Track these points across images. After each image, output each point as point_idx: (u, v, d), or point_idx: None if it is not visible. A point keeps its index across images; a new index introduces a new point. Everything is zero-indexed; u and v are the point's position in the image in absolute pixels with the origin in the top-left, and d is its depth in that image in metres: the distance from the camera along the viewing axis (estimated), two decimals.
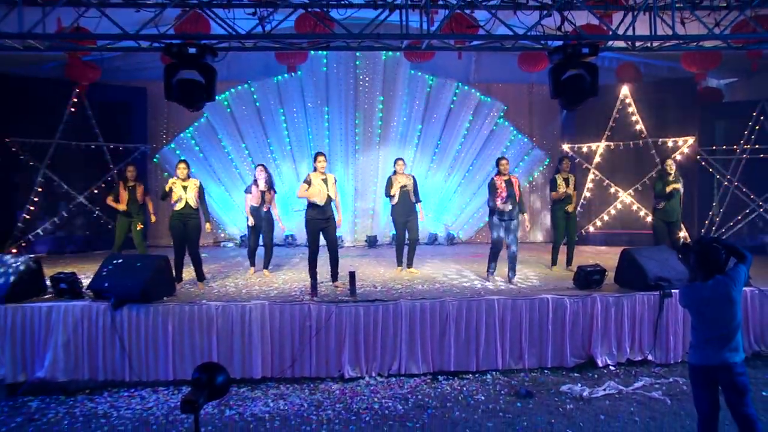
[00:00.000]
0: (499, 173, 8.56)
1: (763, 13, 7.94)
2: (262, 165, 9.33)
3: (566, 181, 9.56)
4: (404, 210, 9.20)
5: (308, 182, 8.22)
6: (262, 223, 9.13)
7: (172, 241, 8.67)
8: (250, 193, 9.08)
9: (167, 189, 8.48)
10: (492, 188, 8.47)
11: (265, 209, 9.08)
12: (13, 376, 6.83)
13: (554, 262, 9.70)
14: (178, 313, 6.92)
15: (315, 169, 8.34)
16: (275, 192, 9.32)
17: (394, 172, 9.30)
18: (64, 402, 6.57)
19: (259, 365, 6.87)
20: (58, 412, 6.30)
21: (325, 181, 8.28)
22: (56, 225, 12.17)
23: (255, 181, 9.10)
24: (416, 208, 9.32)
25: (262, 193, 9.02)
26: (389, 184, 9.30)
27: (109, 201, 9.37)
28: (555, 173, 9.86)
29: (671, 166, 9.34)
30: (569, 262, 9.54)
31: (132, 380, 6.86)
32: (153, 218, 9.83)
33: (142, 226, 9.44)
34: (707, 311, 4.35)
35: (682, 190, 9.40)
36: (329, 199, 8.29)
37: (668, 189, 9.18)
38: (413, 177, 9.43)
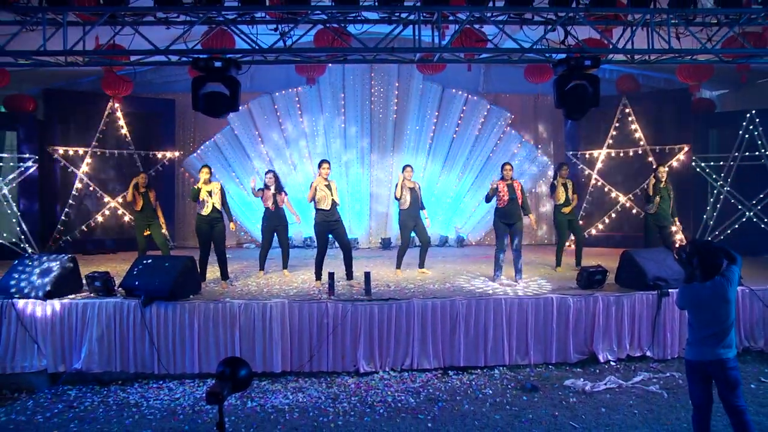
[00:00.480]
0: (502, 178, 8.53)
1: (750, 30, 7.91)
2: (272, 171, 9.29)
3: (565, 186, 9.51)
4: (413, 214, 9.12)
5: (313, 188, 8.30)
6: (276, 225, 9.11)
7: (198, 242, 8.65)
8: (262, 196, 9.04)
9: (197, 188, 8.45)
10: (494, 191, 8.44)
11: (272, 208, 9.01)
12: (54, 366, 6.93)
13: (558, 263, 9.63)
14: (204, 311, 6.93)
15: (319, 176, 8.38)
16: (286, 194, 9.22)
17: (403, 179, 9.23)
18: (99, 392, 6.64)
19: (279, 360, 6.87)
20: (93, 401, 6.37)
21: (328, 186, 8.33)
22: (90, 227, 12.26)
23: (266, 186, 9.07)
24: (423, 214, 9.27)
25: (274, 195, 9.00)
26: (401, 188, 9.15)
27: (128, 198, 9.31)
28: (554, 178, 9.81)
29: (663, 173, 9.25)
30: (578, 262, 9.44)
31: (160, 373, 6.90)
32: (164, 227, 9.63)
33: (149, 232, 9.35)
34: (705, 310, 4.34)
35: (672, 195, 9.31)
36: (334, 203, 8.34)
37: (656, 200, 9.11)
38: (418, 184, 9.35)
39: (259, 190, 9.05)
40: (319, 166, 8.51)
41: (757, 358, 7.40)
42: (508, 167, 8.61)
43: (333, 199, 8.29)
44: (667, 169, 9.48)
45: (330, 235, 8.47)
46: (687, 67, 9.81)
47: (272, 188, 9.00)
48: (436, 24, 7.42)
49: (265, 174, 9.21)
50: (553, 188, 9.64)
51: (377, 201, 13.58)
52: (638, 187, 12.39)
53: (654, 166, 11.18)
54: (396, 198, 9.12)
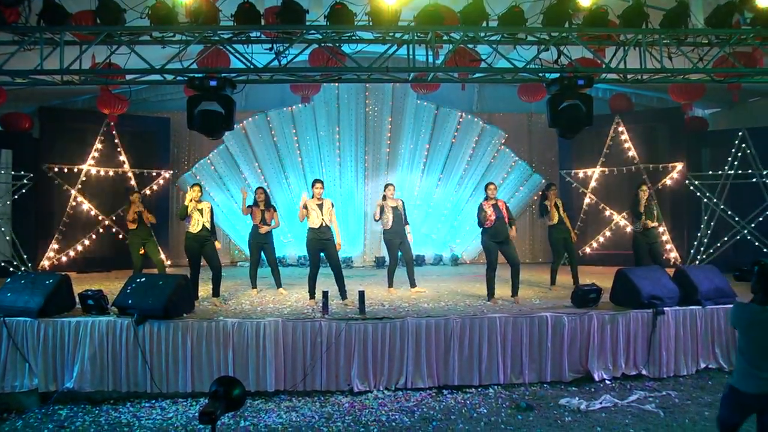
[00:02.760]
0: (486, 198, 8.55)
1: (740, 50, 8.02)
2: (261, 187, 9.35)
3: (556, 205, 9.53)
4: (398, 232, 9.15)
5: (305, 207, 8.33)
6: (263, 242, 9.11)
7: (188, 261, 8.60)
8: (251, 213, 9.11)
9: (186, 204, 8.42)
10: (480, 211, 8.46)
11: (262, 231, 9.06)
12: (45, 385, 6.84)
13: (553, 281, 9.64)
14: (197, 329, 6.90)
15: (313, 195, 8.42)
16: (275, 210, 9.28)
17: (384, 197, 9.25)
18: (91, 411, 6.56)
19: (273, 379, 6.82)
20: (85, 421, 6.29)
21: (320, 206, 8.33)
22: (84, 245, 12.23)
23: (256, 202, 9.11)
24: (405, 230, 9.26)
25: (262, 212, 9.03)
26: (381, 210, 9.17)
27: (129, 224, 9.23)
28: (542, 200, 9.78)
29: (645, 192, 9.29)
30: (576, 281, 9.41)
31: (153, 392, 6.83)
32: (152, 218, 9.49)
33: (143, 251, 9.28)
34: (758, 336, 3.91)
35: (655, 212, 9.36)
36: (324, 222, 8.32)
37: (642, 219, 9.18)
38: (402, 201, 9.37)
39: (248, 206, 9.09)
40: (312, 185, 8.54)
41: None
42: (492, 187, 8.63)
43: (322, 219, 8.30)
44: (646, 187, 9.52)
45: (322, 254, 8.45)
46: (679, 86, 9.93)
47: (261, 205, 9.03)
48: (430, 44, 7.49)
49: (255, 190, 9.26)
50: (543, 209, 9.64)
51: (371, 220, 13.56)
52: None
53: (648, 184, 11.26)
54: (375, 220, 9.20)
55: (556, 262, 9.75)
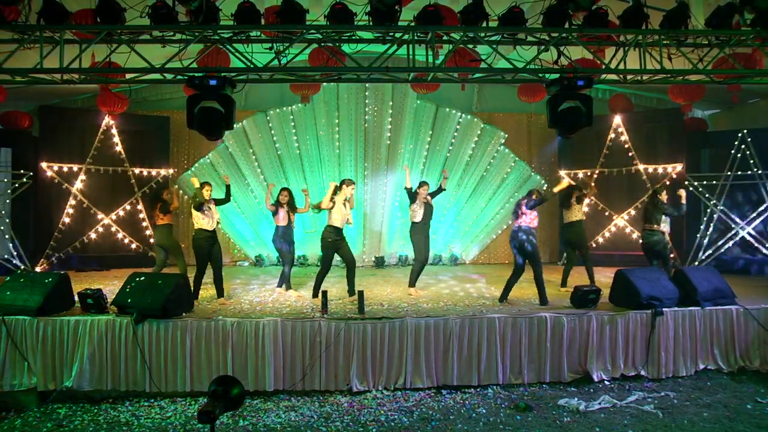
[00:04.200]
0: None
1: (740, 51, 8.03)
2: (287, 189, 9.21)
3: (578, 199, 9.50)
4: (426, 227, 9.19)
5: (333, 192, 8.38)
6: (292, 243, 9.07)
7: (195, 259, 8.46)
8: (277, 214, 8.94)
9: (198, 192, 8.29)
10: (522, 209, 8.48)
11: (284, 224, 8.96)
12: (44, 384, 6.84)
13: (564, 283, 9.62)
14: (196, 328, 6.90)
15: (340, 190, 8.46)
16: (293, 211, 9.14)
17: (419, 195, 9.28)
18: (90, 410, 6.56)
19: (272, 378, 6.82)
20: (84, 419, 6.30)
21: (345, 204, 8.41)
22: (84, 244, 12.22)
23: (279, 203, 8.99)
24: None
25: (288, 213, 8.97)
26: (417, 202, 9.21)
27: (161, 219, 9.03)
28: (569, 189, 9.54)
29: (664, 195, 9.26)
30: (564, 282, 9.44)
31: (152, 391, 6.83)
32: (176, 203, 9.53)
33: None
34: None
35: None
36: (346, 222, 8.42)
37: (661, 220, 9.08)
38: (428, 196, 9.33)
39: (272, 204, 8.99)
40: (347, 184, 8.52)
41: (753, 377, 7.38)
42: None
43: (348, 218, 8.40)
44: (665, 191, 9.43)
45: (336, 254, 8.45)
46: (679, 87, 9.94)
47: (285, 206, 8.95)
48: (430, 44, 7.49)
49: (281, 191, 9.13)
50: (567, 205, 9.57)
51: (371, 220, 13.59)
52: (632, 206, 12.48)
53: (648, 185, 11.13)
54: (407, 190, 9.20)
55: (570, 262, 9.69)
